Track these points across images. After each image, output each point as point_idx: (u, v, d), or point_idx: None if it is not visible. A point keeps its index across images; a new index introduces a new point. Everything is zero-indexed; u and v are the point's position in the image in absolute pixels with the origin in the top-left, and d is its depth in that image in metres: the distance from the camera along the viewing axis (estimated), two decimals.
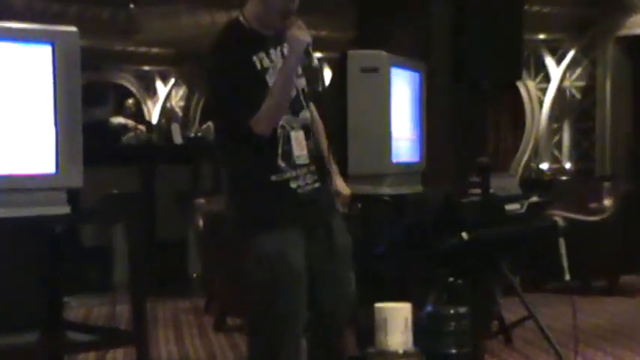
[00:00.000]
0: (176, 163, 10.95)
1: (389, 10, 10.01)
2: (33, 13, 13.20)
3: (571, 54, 15.22)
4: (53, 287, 4.64)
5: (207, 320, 8.50)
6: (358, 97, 6.11)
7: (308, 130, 4.83)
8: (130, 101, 16.56)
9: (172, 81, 19.52)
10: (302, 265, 4.69)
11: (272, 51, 4.74)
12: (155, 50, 17.92)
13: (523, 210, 6.62)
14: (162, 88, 19.64)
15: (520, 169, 14.89)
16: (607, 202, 10.69)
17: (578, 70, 15.36)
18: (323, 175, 4.89)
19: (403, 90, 6.57)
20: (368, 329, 4.29)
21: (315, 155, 4.87)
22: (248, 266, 4.79)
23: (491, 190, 6.56)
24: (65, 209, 4.18)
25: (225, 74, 4.73)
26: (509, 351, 7.07)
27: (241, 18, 4.76)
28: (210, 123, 12.55)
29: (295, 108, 4.72)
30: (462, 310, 4.34)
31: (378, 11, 9.86)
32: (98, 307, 8.84)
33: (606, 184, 12.15)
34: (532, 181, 12.78)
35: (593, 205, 10.55)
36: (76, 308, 8.20)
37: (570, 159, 15.37)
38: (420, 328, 4.24)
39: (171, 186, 10.44)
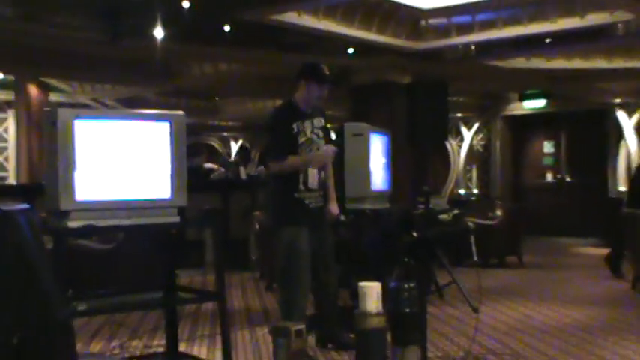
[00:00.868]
0: (242, 191, 10.94)
1: (370, 100, 10.11)
2: (160, 103, 13.34)
3: (476, 125, 15.28)
4: (169, 264, 4.64)
5: (260, 285, 8.48)
6: (351, 151, 6.08)
7: (320, 170, 4.91)
8: (216, 154, 16.58)
9: (240, 141, 19.56)
10: (307, 248, 4.82)
11: (306, 122, 4.83)
12: (230, 123, 17.97)
13: (450, 218, 6.63)
14: (234, 146, 19.66)
15: (447, 193, 14.87)
16: (498, 212, 10.71)
17: (481, 135, 15.42)
18: (326, 199, 4.97)
19: (378, 147, 6.52)
20: (355, 292, 4.37)
21: (323, 185, 4.94)
22: (278, 247, 4.90)
23: (430, 206, 6.56)
24: (176, 219, 4.16)
25: (274, 129, 4.84)
26: (441, 302, 7.07)
27: (293, 99, 4.85)
28: (262, 166, 12.61)
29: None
30: (412, 284, 4.32)
31: (363, 101, 9.94)
32: (196, 276, 8.82)
33: (498, 202, 12.17)
34: (455, 201, 12.78)
35: (490, 215, 10.56)
36: (182, 277, 8.24)
37: (477, 187, 15.37)
38: (388, 296, 4.29)
39: (239, 205, 10.45)
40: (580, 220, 13.67)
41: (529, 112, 14.54)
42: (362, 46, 9.15)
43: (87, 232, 4.07)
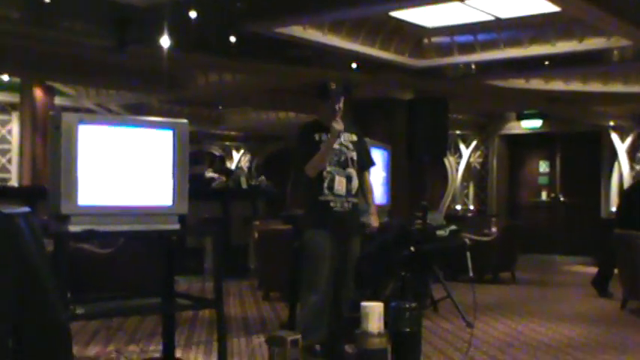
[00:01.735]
0: (242, 200, 10.89)
1: (371, 115, 10.09)
2: (164, 111, 13.30)
3: (474, 143, 15.25)
4: (169, 270, 4.60)
5: (258, 294, 8.43)
6: None
7: (350, 179, 4.97)
8: (217, 162, 16.48)
9: (242, 151, 19.53)
10: (326, 250, 4.85)
11: (327, 134, 4.89)
12: (232, 133, 17.95)
13: (446, 234, 6.58)
14: (236, 155, 19.62)
15: (444, 209, 14.84)
16: (493, 229, 10.69)
17: (478, 152, 15.38)
18: (354, 207, 4.99)
19: (377, 161, 6.50)
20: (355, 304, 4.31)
21: (352, 194, 4.98)
22: (302, 245, 4.99)
23: (428, 222, 6.53)
24: (177, 226, 4.14)
25: (301, 141, 4.97)
26: (436, 316, 7.03)
27: (317, 117, 5.05)
28: (263, 176, 12.55)
29: (343, 165, 4.96)
30: (413, 304, 4.30)
31: (364, 115, 9.91)
32: (194, 283, 8.77)
33: (493, 219, 12.16)
34: (451, 217, 12.74)
35: (485, 231, 10.54)
36: (181, 284, 8.17)
37: (473, 203, 15.33)
38: (390, 316, 4.24)
39: (240, 213, 10.40)
40: (573, 238, 13.67)
41: (526, 131, 14.54)
42: (365, 61, 9.14)
43: (87, 236, 4.02)
